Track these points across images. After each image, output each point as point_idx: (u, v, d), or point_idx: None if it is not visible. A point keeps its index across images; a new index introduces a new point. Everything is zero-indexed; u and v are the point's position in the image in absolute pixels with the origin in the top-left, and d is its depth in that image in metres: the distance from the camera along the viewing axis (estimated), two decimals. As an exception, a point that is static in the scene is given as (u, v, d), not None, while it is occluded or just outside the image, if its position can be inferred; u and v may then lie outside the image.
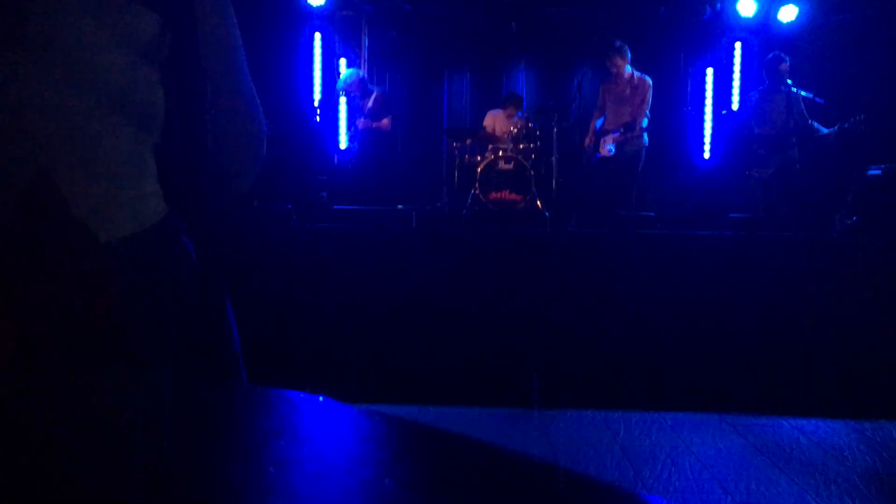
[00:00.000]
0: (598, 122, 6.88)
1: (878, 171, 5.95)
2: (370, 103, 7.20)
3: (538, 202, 6.66)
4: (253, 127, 1.25)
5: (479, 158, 7.00)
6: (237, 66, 1.21)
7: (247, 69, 1.23)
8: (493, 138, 7.19)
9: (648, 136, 6.73)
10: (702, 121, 8.35)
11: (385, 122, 7.22)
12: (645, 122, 6.62)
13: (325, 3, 7.34)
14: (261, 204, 4.93)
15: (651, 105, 6.68)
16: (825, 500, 2.85)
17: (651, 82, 6.69)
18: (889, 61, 7.19)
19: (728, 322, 4.11)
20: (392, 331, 4.15)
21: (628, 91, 6.71)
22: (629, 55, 6.70)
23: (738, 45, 8.20)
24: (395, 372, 4.10)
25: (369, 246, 4.25)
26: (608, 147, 6.74)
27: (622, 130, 6.65)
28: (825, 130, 6.34)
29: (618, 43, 6.72)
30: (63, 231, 1.01)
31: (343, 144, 7.88)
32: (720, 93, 8.34)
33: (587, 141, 6.94)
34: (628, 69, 6.72)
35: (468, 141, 7.34)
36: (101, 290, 1.02)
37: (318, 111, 7.43)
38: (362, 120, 7.23)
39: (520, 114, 7.39)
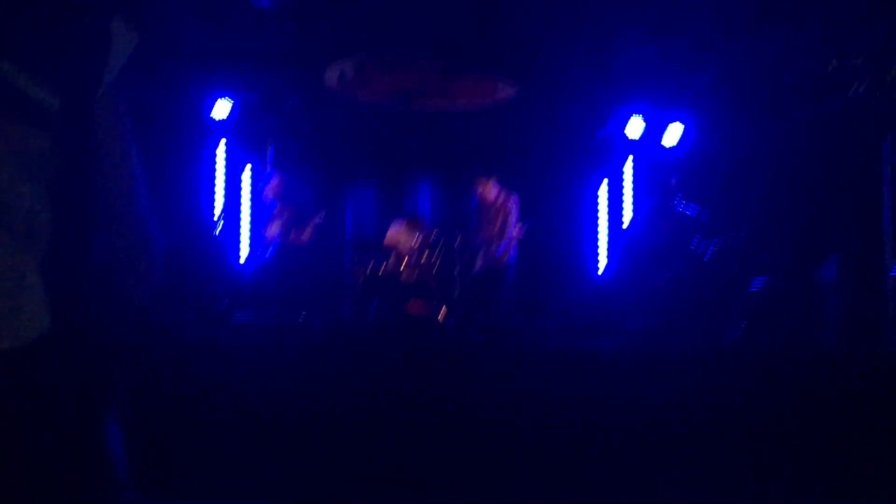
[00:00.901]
0: (477, 240, 7.08)
1: (760, 284, 6.32)
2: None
3: (440, 314, 6.68)
4: (146, 248, 1.23)
5: (382, 270, 7.03)
6: (133, 187, 1.20)
7: (144, 190, 1.22)
8: (396, 250, 7.24)
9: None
10: (596, 233, 8.68)
11: (308, 233, 7.19)
12: (509, 238, 6.84)
13: (228, 116, 7.36)
14: (157, 317, 4.77)
15: (519, 220, 6.87)
16: None
17: (516, 200, 6.93)
18: (766, 179, 7.73)
19: (627, 436, 4.16)
20: (292, 446, 4.01)
21: (492, 211, 6.96)
22: (495, 176, 6.98)
23: (629, 161, 8.66)
24: (297, 491, 3.94)
25: (269, 361, 4.15)
26: (481, 263, 6.94)
27: (486, 248, 6.87)
28: (702, 246, 6.74)
29: (480, 168, 7.04)
30: None
31: (244, 255, 7.76)
32: (614, 206, 8.72)
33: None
34: (494, 189, 6.97)
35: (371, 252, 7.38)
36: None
37: (219, 223, 7.32)
38: (289, 230, 7.14)
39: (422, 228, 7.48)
